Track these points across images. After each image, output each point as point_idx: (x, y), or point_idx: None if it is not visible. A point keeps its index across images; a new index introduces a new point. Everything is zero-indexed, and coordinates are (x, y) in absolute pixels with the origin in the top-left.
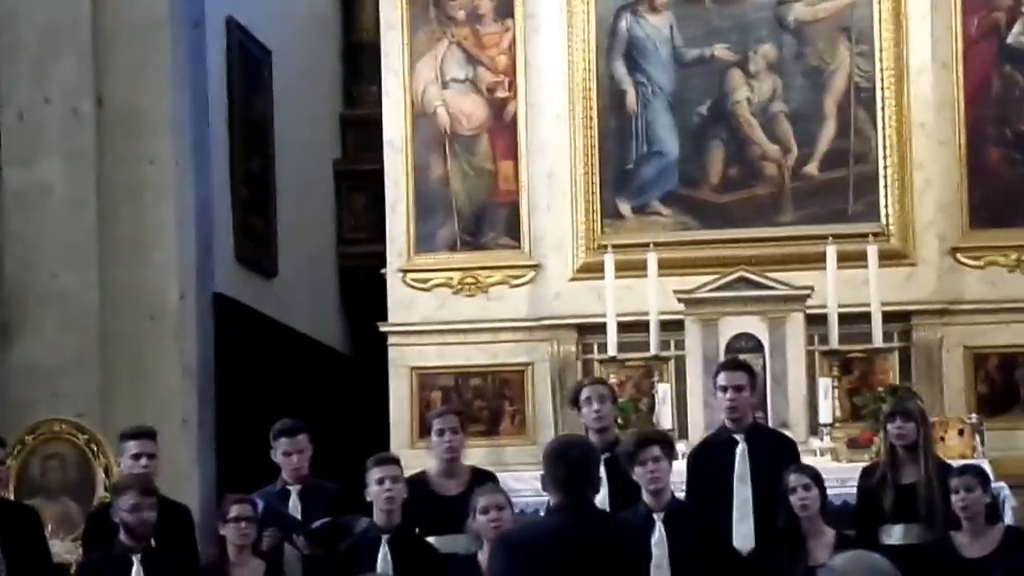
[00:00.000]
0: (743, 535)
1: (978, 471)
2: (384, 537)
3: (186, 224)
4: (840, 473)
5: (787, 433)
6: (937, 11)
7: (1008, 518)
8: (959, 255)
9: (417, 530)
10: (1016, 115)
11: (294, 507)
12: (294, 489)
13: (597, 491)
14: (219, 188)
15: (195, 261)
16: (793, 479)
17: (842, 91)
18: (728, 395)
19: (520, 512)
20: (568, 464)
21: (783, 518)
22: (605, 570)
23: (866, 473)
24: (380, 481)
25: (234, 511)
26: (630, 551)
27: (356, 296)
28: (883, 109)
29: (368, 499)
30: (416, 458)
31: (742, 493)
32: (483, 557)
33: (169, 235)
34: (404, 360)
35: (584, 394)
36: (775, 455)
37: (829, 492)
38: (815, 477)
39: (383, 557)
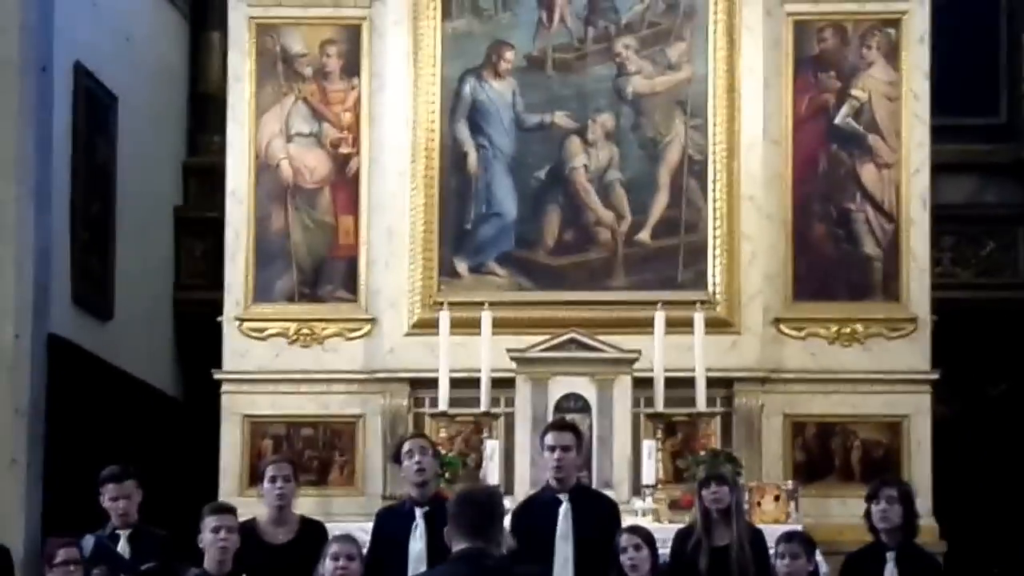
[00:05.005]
0: None
1: (804, 539)
2: None
3: (24, 264)
4: (661, 534)
5: (610, 494)
6: (769, 89)
7: None
8: (782, 325)
9: None
10: (841, 193)
11: (123, 551)
12: (123, 534)
13: (501, 545)
14: (59, 230)
15: (31, 301)
16: (625, 539)
17: (676, 162)
18: (555, 455)
19: None
20: (476, 510)
21: None
22: None
23: (681, 537)
24: (215, 529)
25: (60, 555)
26: None
27: (191, 342)
28: (714, 181)
29: (200, 545)
30: (245, 506)
31: (564, 551)
32: None
33: (7, 275)
34: (237, 408)
35: (405, 447)
36: (597, 516)
37: None
38: (647, 538)
39: None
